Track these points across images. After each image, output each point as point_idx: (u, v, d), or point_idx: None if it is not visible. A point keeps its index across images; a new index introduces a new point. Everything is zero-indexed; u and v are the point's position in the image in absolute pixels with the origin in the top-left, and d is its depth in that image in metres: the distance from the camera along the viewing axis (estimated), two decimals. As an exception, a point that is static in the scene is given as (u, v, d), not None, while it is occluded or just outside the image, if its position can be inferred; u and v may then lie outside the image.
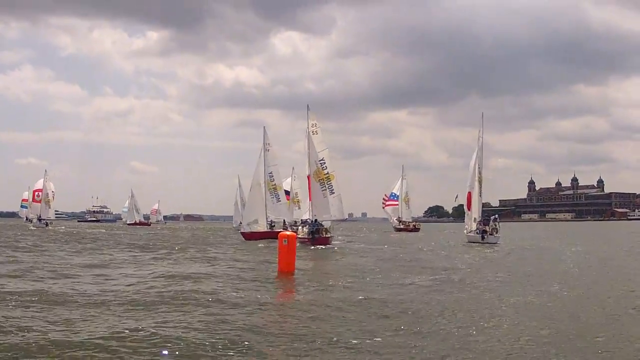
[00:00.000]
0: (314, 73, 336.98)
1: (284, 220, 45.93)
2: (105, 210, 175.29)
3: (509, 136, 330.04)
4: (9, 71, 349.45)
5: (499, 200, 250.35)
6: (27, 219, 76.27)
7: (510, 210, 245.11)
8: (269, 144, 46.74)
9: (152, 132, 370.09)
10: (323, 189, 39.10)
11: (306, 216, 41.52)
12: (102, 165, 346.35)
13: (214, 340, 9.17)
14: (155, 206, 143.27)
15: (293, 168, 58.73)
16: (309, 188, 39.80)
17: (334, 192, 39.23)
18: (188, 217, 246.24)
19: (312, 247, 35.28)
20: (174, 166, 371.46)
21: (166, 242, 42.05)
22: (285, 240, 19.26)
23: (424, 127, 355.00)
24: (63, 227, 76.85)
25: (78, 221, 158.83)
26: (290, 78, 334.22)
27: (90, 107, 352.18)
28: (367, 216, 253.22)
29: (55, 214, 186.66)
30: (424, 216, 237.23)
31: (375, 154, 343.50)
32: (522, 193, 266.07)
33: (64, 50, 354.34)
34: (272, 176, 46.22)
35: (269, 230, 44.29)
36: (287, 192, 55.97)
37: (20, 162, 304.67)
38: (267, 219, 45.47)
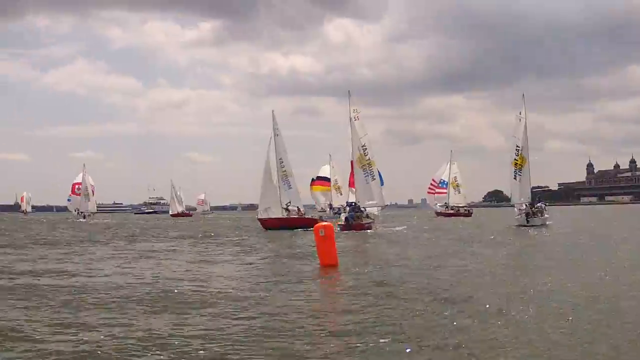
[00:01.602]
0: (368, 59, 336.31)
1: (298, 207, 44.68)
2: (162, 201, 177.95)
3: (563, 118, 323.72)
4: (60, 66, 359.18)
5: (558, 184, 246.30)
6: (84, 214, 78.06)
7: (569, 193, 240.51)
8: (277, 129, 44.85)
9: (208, 122, 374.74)
10: (366, 175, 38.99)
11: (352, 199, 40.92)
12: (158, 156, 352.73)
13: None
14: (202, 196, 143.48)
15: (330, 155, 58.38)
16: (352, 174, 39.91)
17: (375, 179, 39.21)
18: (250, 207, 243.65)
19: (346, 232, 35.42)
20: (231, 155, 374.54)
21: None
22: (321, 232, 17.62)
23: (479, 111, 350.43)
24: (107, 220, 79.09)
25: (135, 213, 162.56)
26: (344, 64, 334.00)
27: (146, 99, 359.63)
28: (427, 202, 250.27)
29: (115, 205, 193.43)
30: (483, 201, 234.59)
31: (432, 139, 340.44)
32: (580, 176, 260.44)
33: (115, 43, 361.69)
34: (282, 162, 44.34)
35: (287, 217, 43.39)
36: (326, 179, 56.04)
37: (77, 156, 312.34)
38: (281, 205, 43.50)
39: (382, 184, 42.12)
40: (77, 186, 77.80)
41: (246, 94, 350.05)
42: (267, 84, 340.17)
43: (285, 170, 44.35)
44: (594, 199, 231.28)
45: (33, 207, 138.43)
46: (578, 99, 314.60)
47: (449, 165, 77.78)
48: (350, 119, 39.57)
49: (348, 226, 37.42)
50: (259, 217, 43.72)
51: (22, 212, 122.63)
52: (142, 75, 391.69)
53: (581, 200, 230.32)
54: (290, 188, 44.52)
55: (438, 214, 76.10)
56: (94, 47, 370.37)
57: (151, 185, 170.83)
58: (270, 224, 41.81)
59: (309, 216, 45.82)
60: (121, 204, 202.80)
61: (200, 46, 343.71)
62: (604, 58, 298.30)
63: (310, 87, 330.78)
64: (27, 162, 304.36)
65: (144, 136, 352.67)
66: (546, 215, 43.48)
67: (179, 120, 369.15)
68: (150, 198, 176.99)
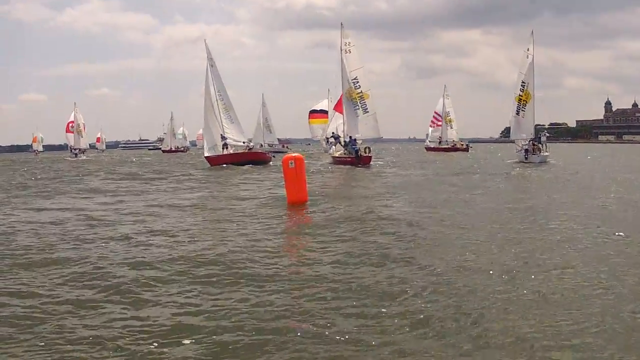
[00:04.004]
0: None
1: (245, 141, 42.20)
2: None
3: (583, 55, 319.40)
4: (77, 5, 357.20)
5: (576, 121, 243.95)
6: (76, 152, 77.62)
7: (586, 131, 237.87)
8: (212, 59, 41.09)
9: (225, 57, 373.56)
10: (355, 107, 38.41)
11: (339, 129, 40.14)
12: (175, 92, 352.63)
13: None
14: (200, 131, 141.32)
15: (329, 90, 56.98)
16: (338, 105, 39.57)
17: (367, 111, 38.43)
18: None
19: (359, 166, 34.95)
20: (248, 90, 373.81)
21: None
22: (291, 163, 15.83)
23: (497, 46, 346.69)
24: (90, 157, 77.95)
25: (149, 149, 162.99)
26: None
27: (161, 35, 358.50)
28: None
29: (141, 141, 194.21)
30: (500, 136, 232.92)
31: (450, 73, 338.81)
32: (599, 114, 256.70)
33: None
34: (221, 95, 40.79)
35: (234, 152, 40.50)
36: (324, 112, 55.21)
37: (93, 93, 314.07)
38: (222, 139, 40.34)
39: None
40: (70, 124, 77.75)
41: (263, 28, 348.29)
42: (284, 17, 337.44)
43: (225, 104, 41.15)
44: (611, 138, 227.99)
45: (45, 146, 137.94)
46: (595, 36, 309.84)
47: (442, 100, 76.34)
48: (342, 50, 38.84)
49: (358, 159, 36.34)
50: (206, 154, 40.25)
51: (34, 152, 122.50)
52: (157, 12, 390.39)
53: (599, 139, 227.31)
54: (233, 122, 41.29)
55: (430, 149, 75.03)
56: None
57: (165, 121, 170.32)
58: (216, 162, 38.80)
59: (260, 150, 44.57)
60: (147, 140, 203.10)
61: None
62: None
63: (327, 20, 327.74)
64: (44, 102, 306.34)
65: (160, 72, 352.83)
66: (546, 153, 42.47)
67: (195, 55, 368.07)
68: (164, 134, 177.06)
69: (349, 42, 39.25)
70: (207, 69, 40.98)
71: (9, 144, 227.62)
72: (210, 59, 41.14)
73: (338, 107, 41.46)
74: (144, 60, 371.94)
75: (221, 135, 40.18)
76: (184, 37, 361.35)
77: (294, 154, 16.99)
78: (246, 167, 36.24)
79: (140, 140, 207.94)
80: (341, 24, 40.12)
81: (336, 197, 18.25)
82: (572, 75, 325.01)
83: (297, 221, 14.02)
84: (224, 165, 37.62)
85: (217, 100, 40.64)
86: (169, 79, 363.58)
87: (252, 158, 39.53)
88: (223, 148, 40.25)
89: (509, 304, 6.73)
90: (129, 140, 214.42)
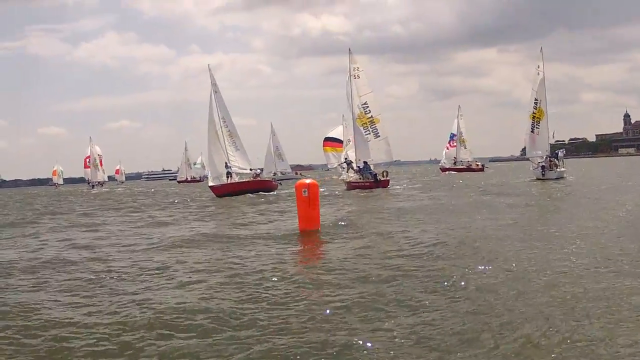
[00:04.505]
0: (400, 16, 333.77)
1: (252, 169, 41.14)
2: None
3: (598, 69, 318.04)
4: (92, 39, 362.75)
5: (595, 135, 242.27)
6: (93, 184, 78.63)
7: (607, 145, 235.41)
8: (216, 85, 40.18)
9: (242, 86, 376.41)
10: (367, 132, 38.67)
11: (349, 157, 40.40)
12: (194, 121, 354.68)
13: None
14: None
15: (343, 115, 56.55)
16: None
17: (379, 136, 38.66)
18: (297, 168, 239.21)
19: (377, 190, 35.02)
20: (267, 117, 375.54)
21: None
22: (305, 191, 15.53)
23: (513, 64, 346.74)
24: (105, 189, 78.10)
25: (169, 180, 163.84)
26: (376, 23, 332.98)
27: (178, 67, 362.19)
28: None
29: (164, 172, 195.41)
30: (521, 154, 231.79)
31: (469, 93, 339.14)
32: (618, 127, 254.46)
33: (145, 13, 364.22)
34: (225, 122, 39.79)
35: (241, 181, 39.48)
36: (338, 140, 54.96)
37: (112, 126, 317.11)
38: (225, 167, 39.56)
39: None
40: (87, 159, 78.49)
41: (279, 56, 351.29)
42: (300, 45, 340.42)
43: (229, 131, 39.98)
44: (631, 150, 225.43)
45: (66, 179, 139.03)
46: (612, 49, 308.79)
47: (457, 120, 76.94)
48: (350, 76, 39.01)
49: (376, 183, 36.93)
50: (210, 184, 39.18)
51: (54, 185, 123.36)
52: (173, 44, 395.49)
53: (619, 152, 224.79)
54: (238, 150, 40.22)
55: (445, 169, 75.28)
56: (124, 19, 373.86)
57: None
58: (220, 191, 37.66)
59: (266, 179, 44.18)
60: (170, 170, 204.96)
61: (230, 11, 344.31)
62: (634, 7, 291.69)
63: (343, 46, 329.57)
64: (63, 136, 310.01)
65: (178, 103, 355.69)
66: (562, 169, 42.53)
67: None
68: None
69: (358, 67, 39.49)
70: (210, 95, 40.01)
71: (30, 178, 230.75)
72: (214, 84, 40.27)
73: (354, 136, 41.39)
74: (162, 91, 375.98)
75: (225, 163, 39.34)
76: (201, 68, 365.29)
77: (307, 181, 16.43)
78: (252, 195, 35.71)
79: (163, 170, 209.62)
80: (349, 50, 40.49)
81: (353, 223, 17.87)
82: (589, 90, 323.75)
83: (309, 249, 13.68)
84: (231, 194, 36.68)
85: (221, 127, 39.74)
86: (188, 109, 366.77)
87: (256, 186, 38.56)
88: (227, 177, 39.37)
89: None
90: (151, 171, 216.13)
